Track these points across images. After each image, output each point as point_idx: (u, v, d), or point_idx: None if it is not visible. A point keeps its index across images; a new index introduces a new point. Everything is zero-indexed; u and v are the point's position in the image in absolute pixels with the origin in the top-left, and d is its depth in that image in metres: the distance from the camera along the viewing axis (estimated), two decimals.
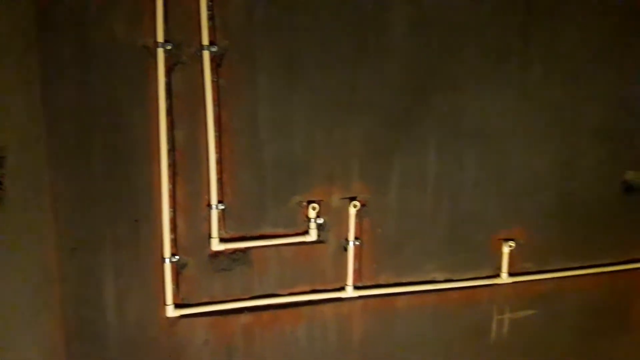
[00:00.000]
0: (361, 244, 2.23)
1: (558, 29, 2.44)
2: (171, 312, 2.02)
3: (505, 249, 2.48)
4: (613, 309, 2.78)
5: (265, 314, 2.14)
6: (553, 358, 2.68)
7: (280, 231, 2.12)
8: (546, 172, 2.53)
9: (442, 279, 2.40)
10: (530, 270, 2.56)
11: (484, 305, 2.52)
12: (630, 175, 2.70)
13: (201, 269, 2.05)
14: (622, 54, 2.59)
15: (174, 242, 2.00)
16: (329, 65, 2.10)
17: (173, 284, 2.01)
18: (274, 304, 2.14)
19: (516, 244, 2.49)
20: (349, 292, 2.24)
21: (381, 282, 2.30)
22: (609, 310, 2.77)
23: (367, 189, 2.23)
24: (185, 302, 2.05)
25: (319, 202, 2.15)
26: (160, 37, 1.88)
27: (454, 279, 2.42)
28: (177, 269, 2.03)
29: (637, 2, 2.58)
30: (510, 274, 2.50)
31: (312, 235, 2.15)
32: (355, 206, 2.20)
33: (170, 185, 1.97)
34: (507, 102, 2.40)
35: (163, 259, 1.99)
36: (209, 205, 2.02)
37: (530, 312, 2.60)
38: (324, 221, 2.16)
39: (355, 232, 2.21)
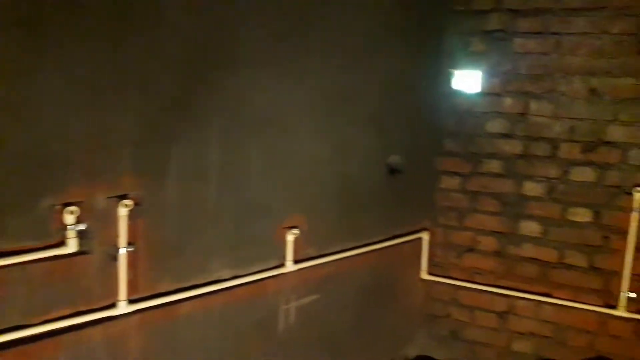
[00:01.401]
0: (135, 249, 1.91)
1: (333, 17, 2.47)
2: None
3: (290, 237, 2.47)
4: (383, 283, 3.04)
5: (8, 354, 1.64)
6: (336, 337, 2.80)
7: (26, 245, 1.66)
8: (324, 158, 2.59)
9: (228, 276, 2.25)
10: (312, 256, 2.60)
11: (271, 297, 2.47)
12: (393, 159, 2.96)
13: None
14: (391, 46, 2.79)
15: None
16: (86, 32, 1.70)
17: None
18: (19, 338, 1.66)
19: (300, 231, 2.48)
20: (122, 307, 1.89)
21: (161, 290, 2.02)
22: (380, 284, 3.02)
23: (140, 184, 1.91)
24: None
25: (78, 204, 1.74)
26: None
27: (241, 274, 2.28)
28: None
29: None
30: (295, 262, 2.50)
31: (71, 246, 1.73)
32: (126, 205, 1.85)
33: None
34: (287, 88, 2.36)
35: None
36: None
37: (313, 297, 2.65)
38: (87, 227, 1.76)
39: (128, 237, 1.87)
